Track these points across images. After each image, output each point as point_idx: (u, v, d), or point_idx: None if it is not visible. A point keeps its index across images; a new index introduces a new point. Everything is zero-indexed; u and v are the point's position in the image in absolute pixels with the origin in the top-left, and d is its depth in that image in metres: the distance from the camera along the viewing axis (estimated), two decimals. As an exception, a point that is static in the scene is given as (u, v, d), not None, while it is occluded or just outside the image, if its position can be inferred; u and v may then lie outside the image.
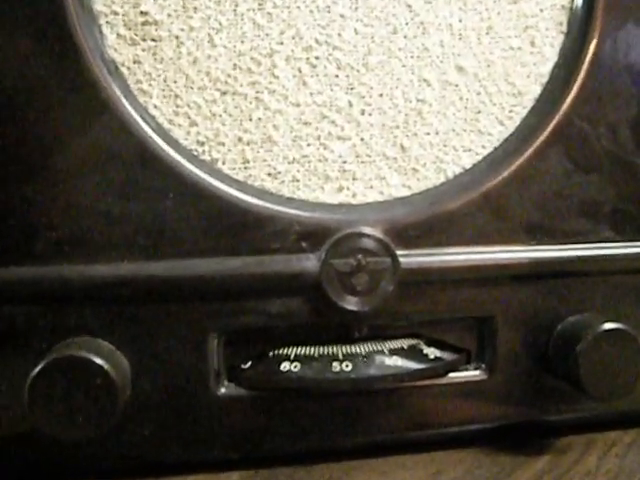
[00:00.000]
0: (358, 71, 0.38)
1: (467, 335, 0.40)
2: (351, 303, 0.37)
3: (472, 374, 0.39)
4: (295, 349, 0.38)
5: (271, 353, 0.38)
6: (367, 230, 0.37)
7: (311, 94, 0.38)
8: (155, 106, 0.36)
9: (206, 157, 0.37)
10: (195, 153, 0.37)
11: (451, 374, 0.40)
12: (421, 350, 0.39)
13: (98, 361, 0.32)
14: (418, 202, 0.39)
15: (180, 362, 0.36)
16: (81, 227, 0.35)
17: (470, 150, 0.40)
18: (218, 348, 0.37)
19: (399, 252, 0.37)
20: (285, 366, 0.37)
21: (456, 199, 0.39)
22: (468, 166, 0.40)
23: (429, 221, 0.38)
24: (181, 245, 0.36)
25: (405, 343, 0.39)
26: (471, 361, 0.39)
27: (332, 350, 0.38)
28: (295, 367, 0.37)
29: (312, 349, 0.38)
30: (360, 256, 0.37)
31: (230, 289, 0.36)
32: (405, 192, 0.39)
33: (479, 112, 0.40)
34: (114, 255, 0.35)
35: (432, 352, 0.40)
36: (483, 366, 0.39)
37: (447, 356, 0.40)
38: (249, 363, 0.38)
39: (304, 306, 0.37)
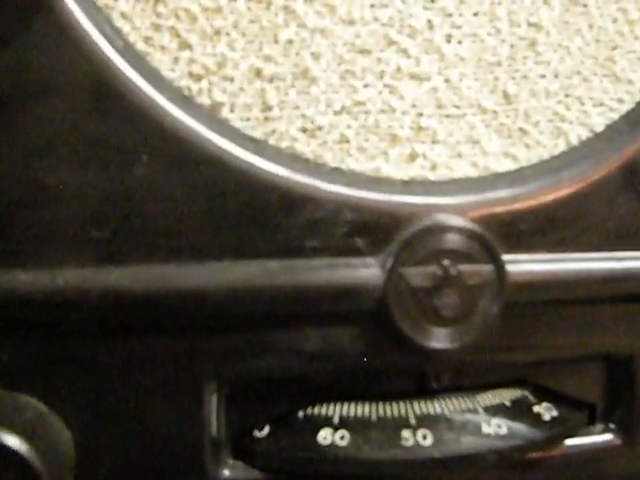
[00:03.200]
0: (443, -27, 0.24)
1: (592, 382, 0.27)
2: (433, 336, 0.23)
3: (599, 439, 0.26)
4: (341, 408, 0.24)
5: (302, 414, 0.24)
6: (457, 222, 0.23)
7: (372, 6, 0.24)
8: (123, 15, 0.22)
9: (204, 99, 0.23)
10: (186, 93, 0.23)
11: (569, 441, 0.26)
12: (530, 407, 0.26)
13: (10, 442, 0.18)
14: (529, 180, 0.25)
15: (158, 430, 0.23)
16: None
17: (602, 104, 0.26)
18: (219, 406, 0.24)
19: (506, 257, 0.24)
20: (325, 436, 0.23)
21: (584, 177, 0.25)
22: (599, 128, 0.26)
23: (547, 210, 0.25)
24: (159, 241, 0.22)
25: (506, 396, 0.26)
26: (596, 420, 0.26)
27: (400, 410, 0.24)
28: (342, 438, 0.23)
29: (368, 408, 0.24)
30: (447, 262, 0.23)
31: (239, 312, 0.22)
32: (509, 164, 0.25)
33: (615, 48, 0.26)
34: (48, 256, 0.21)
35: (546, 410, 0.26)
36: (614, 427, 0.27)
37: (566, 414, 0.26)
38: (266, 429, 0.24)
39: (356, 340, 0.23)
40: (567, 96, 0.26)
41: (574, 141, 0.26)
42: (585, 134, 0.26)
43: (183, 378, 0.23)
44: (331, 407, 0.24)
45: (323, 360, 0.23)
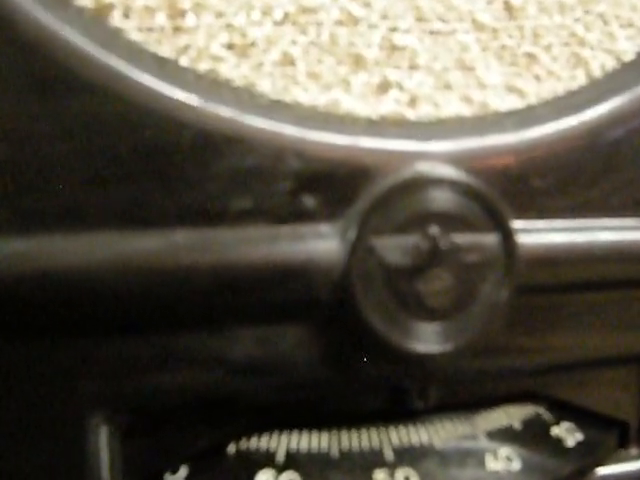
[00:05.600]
0: None
1: (624, 394, 0.20)
2: (416, 336, 0.16)
3: (635, 467, 0.19)
4: (287, 440, 0.17)
5: (232, 449, 0.17)
6: (449, 173, 0.17)
7: None
8: None
9: (85, 0, 0.16)
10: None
11: (599, 469, 0.20)
12: (547, 428, 0.19)
13: None
14: (541, 121, 0.18)
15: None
16: None
17: (631, 25, 0.20)
18: (112, 444, 0.16)
19: (516, 224, 0.17)
20: (266, 481, 0.16)
21: (612, 118, 0.19)
22: (628, 55, 0.20)
23: (568, 161, 0.18)
24: (12, 201, 0.15)
25: (515, 416, 0.19)
26: (629, 442, 0.19)
27: (372, 441, 0.17)
28: (289, 484, 0.16)
29: (326, 440, 0.17)
30: (435, 230, 0.16)
31: (133, 305, 0.15)
32: (513, 101, 0.19)
33: (647, -49, 0.20)
34: None
35: (568, 432, 0.19)
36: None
37: (594, 437, 0.19)
38: (183, 472, 0.17)
39: (306, 344, 0.16)
40: (587, 12, 0.20)
41: (596, 72, 0.20)
42: (610, 63, 0.20)
43: (53, 404, 0.15)
44: (274, 439, 0.17)
45: (259, 373, 0.16)
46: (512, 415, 0.19)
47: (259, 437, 0.17)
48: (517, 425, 0.19)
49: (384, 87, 0.18)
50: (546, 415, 0.19)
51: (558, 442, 0.19)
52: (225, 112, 0.16)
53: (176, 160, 0.15)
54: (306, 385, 0.17)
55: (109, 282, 0.15)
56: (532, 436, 0.18)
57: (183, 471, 0.17)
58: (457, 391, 0.18)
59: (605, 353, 0.20)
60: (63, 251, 0.15)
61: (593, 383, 0.20)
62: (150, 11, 0.16)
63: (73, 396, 0.16)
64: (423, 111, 0.18)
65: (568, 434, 0.19)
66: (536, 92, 0.19)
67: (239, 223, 0.16)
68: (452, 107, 0.18)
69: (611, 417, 0.20)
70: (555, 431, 0.19)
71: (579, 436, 0.19)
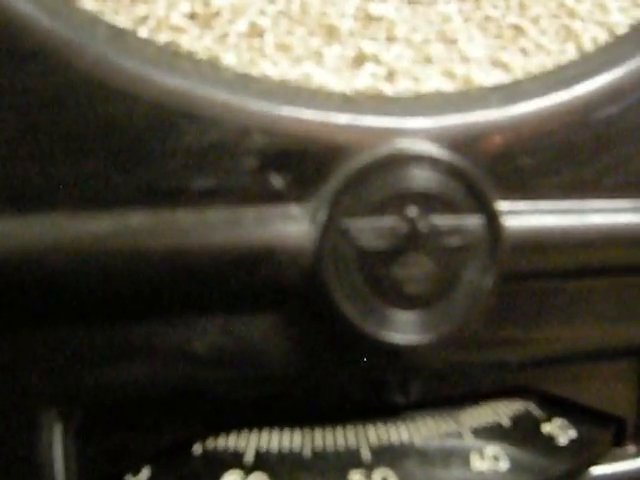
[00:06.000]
0: None
1: (619, 388, 0.19)
2: (394, 325, 0.15)
3: (633, 466, 0.17)
4: (257, 439, 0.16)
5: (197, 449, 0.16)
6: (429, 150, 0.15)
7: None
8: None
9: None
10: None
11: (594, 470, 0.19)
12: (537, 425, 0.18)
13: None
14: (528, 96, 0.17)
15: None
16: None
17: (625, -4, 0.19)
18: (67, 442, 0.15)
19: (502, 205, 0.16)
20: (232, 483, 0.15)
21: (604, 93, 0.17)
22: (621, 28, 0.19)
23: (557, 139, 0.17)
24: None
25: (503, 412, 0.18)
26: (626, 439, 0.17)
27: (348, 439, 0.16)
28: (257, 486, 0.15)
29: (298, 439, 0.16)
30: (414, 212, 0.15)
31: (85, 290, 0.14)
32: (498, 75, 0.17)
33: None
34: None
35: (560, 429, 0.18)
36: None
37: (588, 434, 0.18)
38: (145, 474, 0.16)
39: (274, 333, 0.15)
40: (578, -17, 0.18)
41: (587, 45, 0.18)
42: (602, 36, 0.19)
43: (12, 401, 0.14)
44: (242, 438, 0.16)
45: (224, 366, 0.15)
46: (500, 411, 0.18)
47: (227, 436, 0.16)
48: (505, 422, 0.17)
49: (359, 60, 0.16)
50: (536, 411, 0.18)
51: (549, 440, 0.18)
52: (185, 84, 0.15)
53: (131, 135, 0.14)
54: (276, 379, 0.15)
55: (58, 267, 0.14)
56: (521, 434, 0.17)
57: (145, 472, 0.16)
58: (440, 385, 0.17)
59: (599, 345, 0.18)
60: (8, 233, 0.14)
61: (587, 377, 0.19)
62: (105, -22, 0.15)
63: (22, 391, 0.14)
64: (402, 86, 0.17)
65: (560, 431, 0.18)
66: (523, 66, 0.18)
67: (200, 204, 0.14)
68: (433, 82, 0.17)
69: (606, 413, 0.19)
70: (546, 428, 0.18)
71: (572, 433, 0.18)
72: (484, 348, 0.17)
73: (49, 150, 0.14)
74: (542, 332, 0.17)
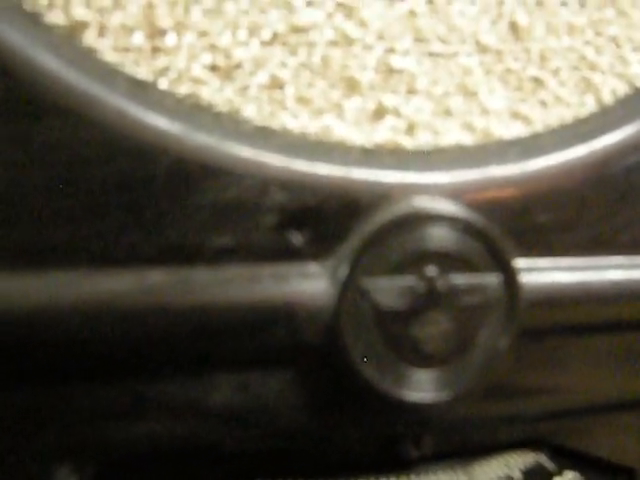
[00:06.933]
0: None
1: (630, 439, 0.19)
2: (411, 384, 0.15)
3: None
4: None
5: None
6: (448, 209, 0.15)
7: None
8: None
9: (57, 17, 0.15)
10: (31, 7, 0.15)
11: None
12: (548, 478, 0.18)
13: None
14: (547, 151, 0.17)
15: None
16: None
17: (645, 47, 0.19)
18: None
19: (519, 263, 0.16)
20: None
21: (623, 147, 0.17)
22: (642, 81, 0.19)
23: (575, 195, 0.17)
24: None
25: (515, 464, 0.18)
26: None
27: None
28: None
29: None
30: (433, 271, 0.15)
31: (102, 348, 0.14)
32: (519, 128, 0.17)
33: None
34: None
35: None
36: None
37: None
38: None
39: (291, 390, 0.15)
40: (598, 35, 0.18)
41: (607, 98, 0.18)
42: (622, 88, 0.19)
43: (15, 457, 0.14)
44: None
45: (239, 422, 0.15)
46: (511, 464, 0.18)
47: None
48: (517, 475, 0.17)
49: (380, 113, 0.16)
50: (548, 464, 0.18)
51: (561, 493, 0.18)
52: (205, 140, 0.15)
53: (151, 192, 0.14)
54: (290, 435, 0.15)
55: (76, 325, 0.14)
56: (533, 487, 0.17)
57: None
58: (453, 438, 0.17)
59: (612, 398, 0.18)
60: (27, 291, 0.14)
61: (598, 428, 0.19)
62: (127, 30, 0.15)
63: (37, 447, 0.14)
64: (421, 139, 0.17)
65: (571, 484, 0.18)
66: (542, 119, 0.18)
67: (219, 261, 0.14)
68: (452, 135, 0.17)
69: (617, 464, 0.19)
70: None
71: (584, 487, 0.18)
72: (499, 402, 0.17)
73: (68, 206, 0.14)
74: (557, 386, 0.17)
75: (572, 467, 0.18)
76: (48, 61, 0.14)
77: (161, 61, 0.15)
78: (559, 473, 0.18)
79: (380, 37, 0.17)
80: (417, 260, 0.15)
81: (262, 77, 0.16)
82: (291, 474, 0.16)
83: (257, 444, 0.16)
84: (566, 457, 0.19)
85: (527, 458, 0.18)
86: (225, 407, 0.15)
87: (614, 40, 0.19)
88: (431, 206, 0.15)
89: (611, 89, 0.18)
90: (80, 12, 0.15)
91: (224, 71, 0.16)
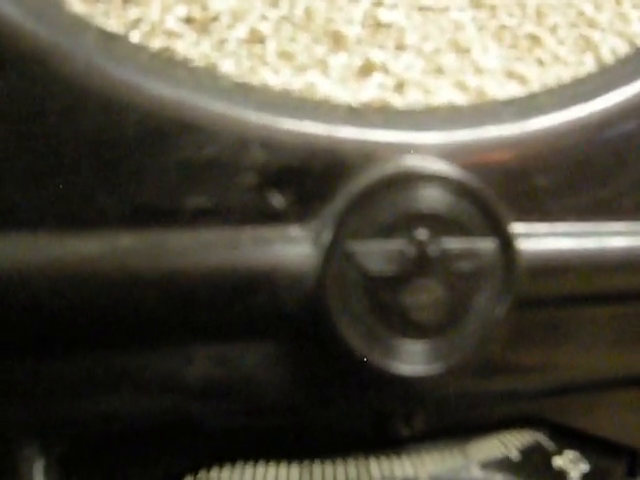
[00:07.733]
0: None
1: (632, 419, 0.18)
2: (401, 355, 0.14)
3: None
4: (252, 474, 0.15)
5: (190, 483, 0.15)
6: (440, 168, 0.14)
7: None
8: None
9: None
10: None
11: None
12: (548, 458, 0.17)
13: None
14: (544, 111, 0.16)
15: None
16: None
17: (646, 6, 0.18)
18: (48, 477, 0.14)
19: (516, 227, 0.15)
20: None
21: (624, 108, 0.16)
22: (643, 40, 0.18)
23: (574, 157, 0.16)
24: None
25: (512, 444, 0.17)
26: (637, 472, 0.16)
27: (349, 474, 0.15)
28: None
29: (296, 473, 0.15)
30: (424, 234, 0.14)
31: (70, 317, 0.13)
32: (514, 88, 0.16)
33: None
34: None
35: (571, 462, 0.17)
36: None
37: (600, 467, 0.17)
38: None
39: (273, 363, 0.14)
40: (597, -9, 0.18)
41: (607, 57, 0.17)
42: (622, 47, 0.18)
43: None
44: (236, 472, 0.15)
45: (218, 396, 0.14)
46: (509, 444, 0.17)
47: (220, 469, 0.15)
48: (515, 455, 0.16)
49: (367, 70, 0.15)
50: (547, 443, 0.17)
51: (561, 474, 0.17)
52: (179, 94, 0.14)
53: (121, 150, 0.13)
54: (272, 411, 0.15)
55: (41, 291, 0.13)
56: (532, 467, 0.16)
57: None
58: (447, 416, 0.16)
59: (615, 373, 0.18)
60: (-14, 255, 0.13)
61: (600, 406, 0.18)
62: (96, -22, 0.14)
63: (1, 423, 0.13)
64: (411, 98, 0.16)
65: (572, 465, 0.17)
66: (539, 78, 0.17)
67: (194, 224, 0.13)
68: (444, 94, 0.16)
69: (620, 444, 0.18)
70: (558, 462, 0.17)
71: (584, 467, 0.17)
72: (495, 377, 0.16)
73: (32, 164, 0.13)
74: (556, 360, 0.17)
75: (572, 446, 0.18)
76: (11, 10, 0.13)
77: (133, 12, 0.14)
78: (559, 452, 0.17)
79: (367, -11, 0.16)
80: (407, 222, 0.14)
81: (241, 30, 0.15)
82: (275, 452, 0.15)
83: (238, 421, 0.15)
84: (566, 436, 0.18)
85: (525, 437, 0.17)
86: (203, 381, 0.14)
87: (614, -3, 0.18)
88: (422, 165, 0.14)
89: (611, 48, 0.18)
90: (46, -39, 0.14)
91: (200, 24, 0.15)
